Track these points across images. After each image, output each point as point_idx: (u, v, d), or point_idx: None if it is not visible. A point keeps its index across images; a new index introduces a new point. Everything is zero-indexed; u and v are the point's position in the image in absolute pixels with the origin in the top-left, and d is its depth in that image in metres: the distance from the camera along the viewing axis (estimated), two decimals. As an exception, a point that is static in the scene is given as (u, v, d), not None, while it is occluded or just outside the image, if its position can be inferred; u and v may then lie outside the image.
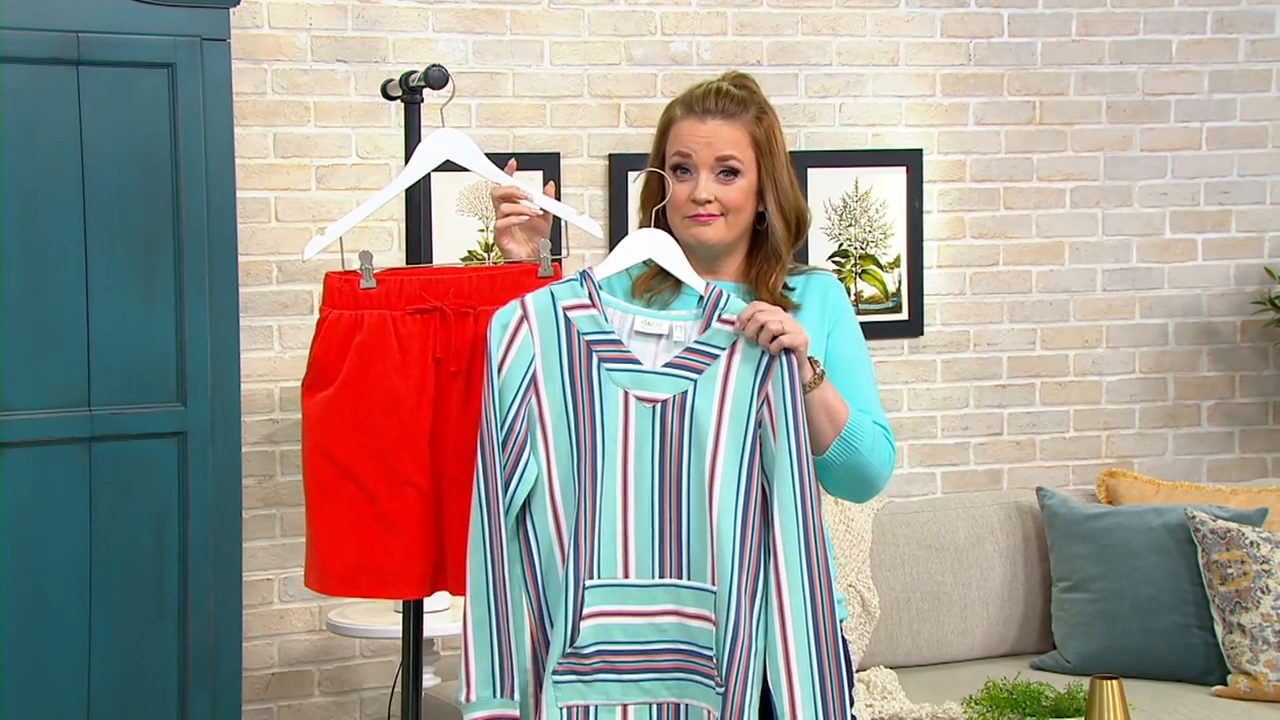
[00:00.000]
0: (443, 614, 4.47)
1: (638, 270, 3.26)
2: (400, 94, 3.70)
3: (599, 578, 3.05)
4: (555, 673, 3.07)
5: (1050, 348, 5.56)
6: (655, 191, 3.27)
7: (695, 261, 3.22)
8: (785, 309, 3.16)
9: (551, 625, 3.10)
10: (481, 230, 4.97)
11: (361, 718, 4.96)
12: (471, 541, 3.13)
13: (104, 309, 3.91)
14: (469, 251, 4.96)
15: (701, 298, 3.12)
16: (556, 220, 3.43)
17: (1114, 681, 3.80)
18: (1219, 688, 4.61)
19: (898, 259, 5.37)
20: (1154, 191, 5.60)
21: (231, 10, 4.01)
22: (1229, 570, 4.63)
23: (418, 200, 3.63)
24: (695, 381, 3.07)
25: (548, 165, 5.03)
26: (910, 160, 5.37)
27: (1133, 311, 5.61)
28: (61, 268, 3.88)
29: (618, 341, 3.13)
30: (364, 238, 4.75)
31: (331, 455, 3.33)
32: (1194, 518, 4.72)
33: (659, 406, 3.06)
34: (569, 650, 3.05)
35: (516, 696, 3.09)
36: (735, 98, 3.21)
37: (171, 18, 3.94)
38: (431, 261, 4.49)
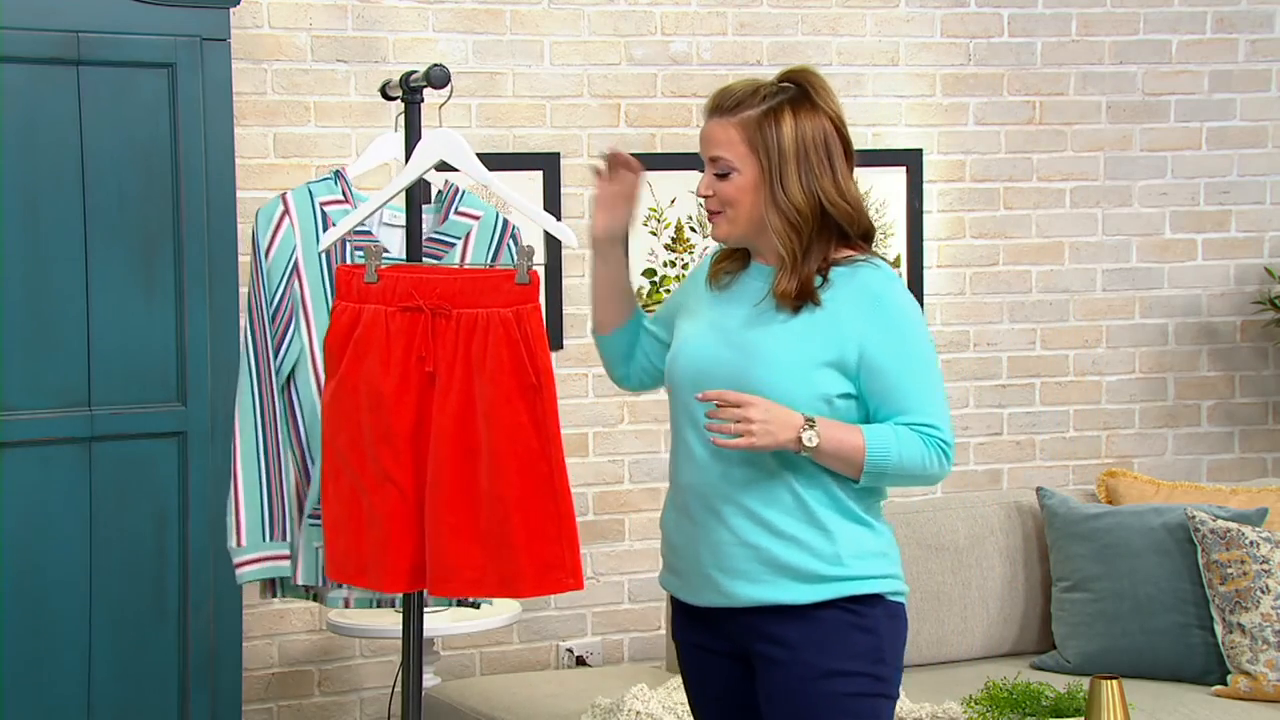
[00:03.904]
0: (443, 614, 4.47)
1: (707, 262, 3.33)
2: (400, 94, 3.70)
3: None
4: (310, 517, 3.60)
5: (1050, 348, 5.56)
6: None
7: (752, 245, 3.27)
8: (809, 303, 3.16)
9: (309, 480, 3.62)
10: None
11: (361, 718, 4.96)
12: (241, 406, 3.64)
13: (104, 309, 3.91)
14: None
15: (440, 192, 3.68)
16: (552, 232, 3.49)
17: (1114, 681, 3.80)
18: (1219, 688, 4.61)
19: (898, 259, 5.37)
20: (1154, 191, 5.60)
21: (231, 10, 4.01)
22: (1229, 570, 4.63)
23: (417, 199, 3.64)
24: (437, 264, 3.58)
25: (548, 165, 5.02)
26: (910, 160, 5.37)
27: (1133, 311, 5.61)
28: (61, 268, 3.88)
29: (368, 232, 3.65)
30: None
31: (334, 445, 3.38)
32: (1194, 518, 4.72)
33: None
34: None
35: (288, 539, 3.62)
36: (738, 96, 3.19)
37: (171, 18, 3.94)
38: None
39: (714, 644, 3.25)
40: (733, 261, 3.29)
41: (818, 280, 3.18)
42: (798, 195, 3.17)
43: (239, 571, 3.67)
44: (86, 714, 3.93)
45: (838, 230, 3.20)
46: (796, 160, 3.18)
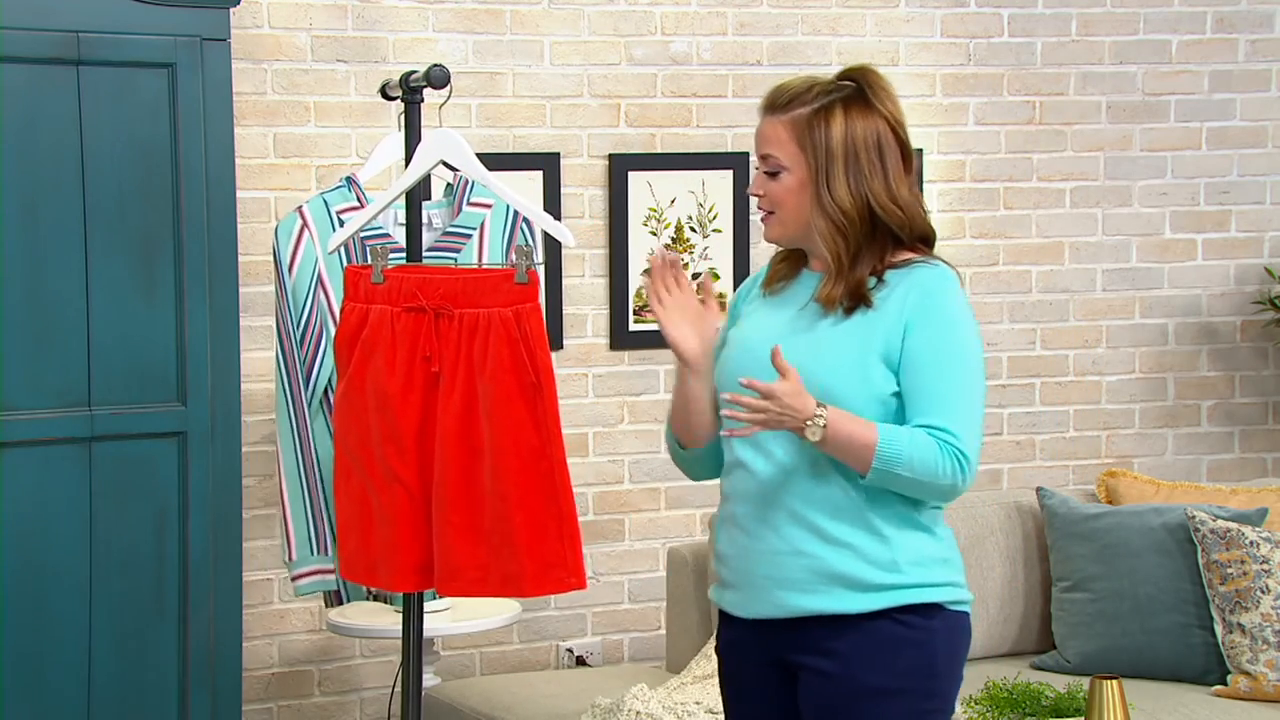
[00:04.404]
0: (443, 614, 4.47)
1: (764, 271, 3.24)
2: (400, 94, 3.71)
3: None
4: None
5: (1050, 348, 5.56)
6: None
7: (807, 251, 3.18)
8: (861, 305, 3.06)
9: None
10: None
11: (361, 718, 4.96)
12: (280, 425, 3.74)
13: (104, 309, 3.91)
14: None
15: (450, 185, 3.70)
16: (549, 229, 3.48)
17: (1114, 681, 3.80)
18: (1219, 688, 4.61)
19: (898, 259, 5.36)
20: (1154, 191, 5.60)
21: (231, 10, 4.01)
22: (1229, 570, 4.63)
23: (417, 199, 3.64)
24: (455, 259, 3.68)
25: (548, 165, 5.02)
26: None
27: (1133, 311, 5.61)
28: (61, 268, 3.88)
29: (386, 235, 3.70)
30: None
31: (345, 444, 3.39)
32: (1194, 518, 4.72)
33: None
34: None
35: (331, 553, 3.73)
36: (791, 93, 3.09)
37: (171, 18, 3.94)
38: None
39: (760, 656, 3.14)
40: (788, 265, 3.19)
41: (871, 282, 3.07)
42: (845, 197, 3.05)
43: (295, 584, 3.94)
44: (86, 714, 3.93)
45: (891, 235, 3.09)
46: (845, 161, 3.06)
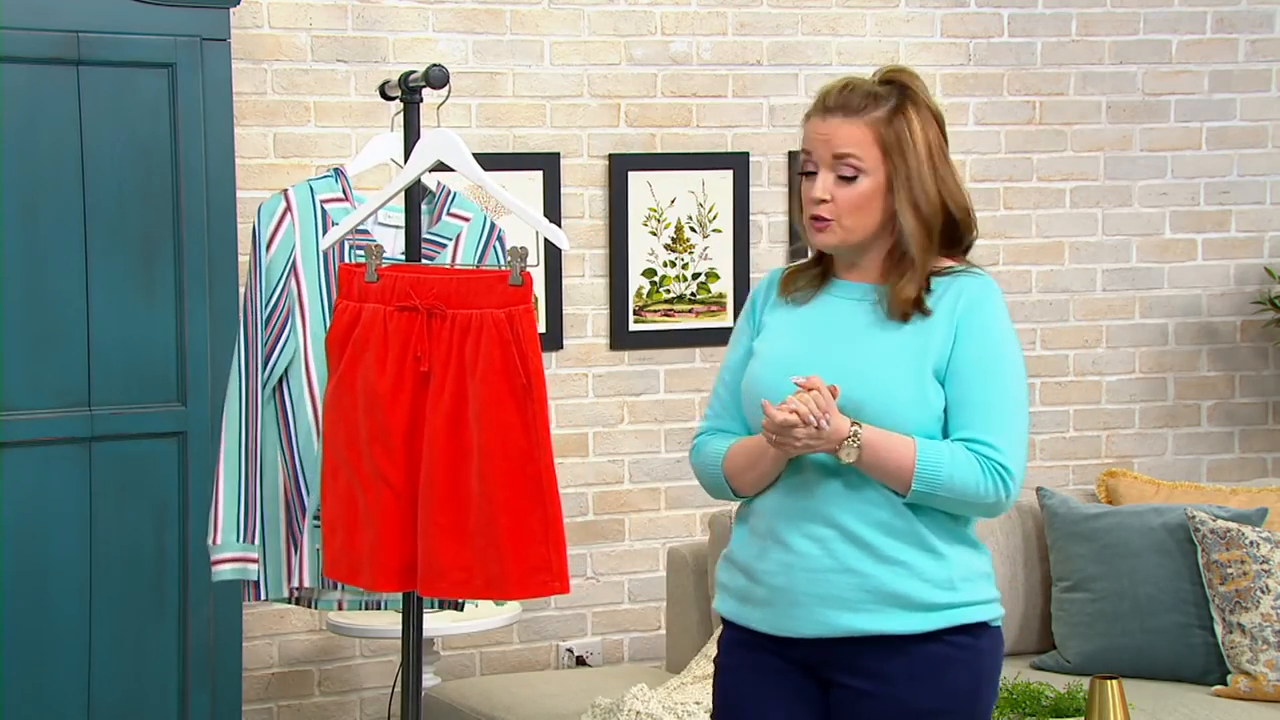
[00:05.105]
0: (443, 614, 4.47)
1: (780, 272, 3.18)
2: (399, 94, 3.70)
3: None
4: (314, 519, 3.63)
5: (1050, 348, 5.56)
6: (798, 191, 3.11)
7: (840, 259, 3.10)
8: (920, 311, 3.01)
9: (306, 478, 3.65)
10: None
11: (361, 718, 4.96)
12: (229, 406, 3.67)
13: (104, 309, 3.92)
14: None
15: (432, 193, 3.70)
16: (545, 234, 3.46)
17: (1114, 681, 3.80)
18: (1219, 688, 4.61)
19: (898, 259, 5.36)
20: (1154, 191, 5.60)
21: (231, 10, 4.01)
22: (1229, 570, 4.63)
23: (416, 199, 3.64)
24: (428, 265, 3.58)
25: (548, 165, 5.02)
26: (910, 160, 5.36)
27: (1133, 311, 5.61)
28: (61, 268, 3.88)
29: (365, 231, 3.67)
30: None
31: (333, 443, 3.38)
32: (1194, 518, 4.71)
33: None
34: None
35: (257, 541, 3.66)
36: (863, 92, 3.03)
37: (171, 18, 3.94)
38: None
39: (788, 674, 3.06)
40: (808, 276, 3.13)
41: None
42: (934, 195, 3.01)
43: (214, 570, 3.73)
44: (86, 714, 3.93)
45: (948, 235, 3.06)
46: (929, 161, 3.02)
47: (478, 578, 3.31)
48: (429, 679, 4.57)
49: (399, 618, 4.18)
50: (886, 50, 5.34)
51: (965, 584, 3.01)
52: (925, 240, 3.01)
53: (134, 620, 3.97)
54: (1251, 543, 4.62)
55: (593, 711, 4.26)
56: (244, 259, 4.43)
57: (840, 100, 3.03)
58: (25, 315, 3.85)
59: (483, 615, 4.52)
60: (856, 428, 2.93)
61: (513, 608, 4.63)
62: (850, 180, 3.01)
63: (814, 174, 3.04)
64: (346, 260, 3.64)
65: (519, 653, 5.11)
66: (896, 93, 3.04)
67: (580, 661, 5.11)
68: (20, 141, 3.83)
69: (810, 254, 3.19)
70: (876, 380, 2.98)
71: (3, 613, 3.85)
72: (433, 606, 4.18)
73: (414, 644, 3.60)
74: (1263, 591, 4.58)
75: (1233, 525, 4.66)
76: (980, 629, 3.02)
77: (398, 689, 4.74)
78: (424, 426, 3.32)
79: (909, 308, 3.01)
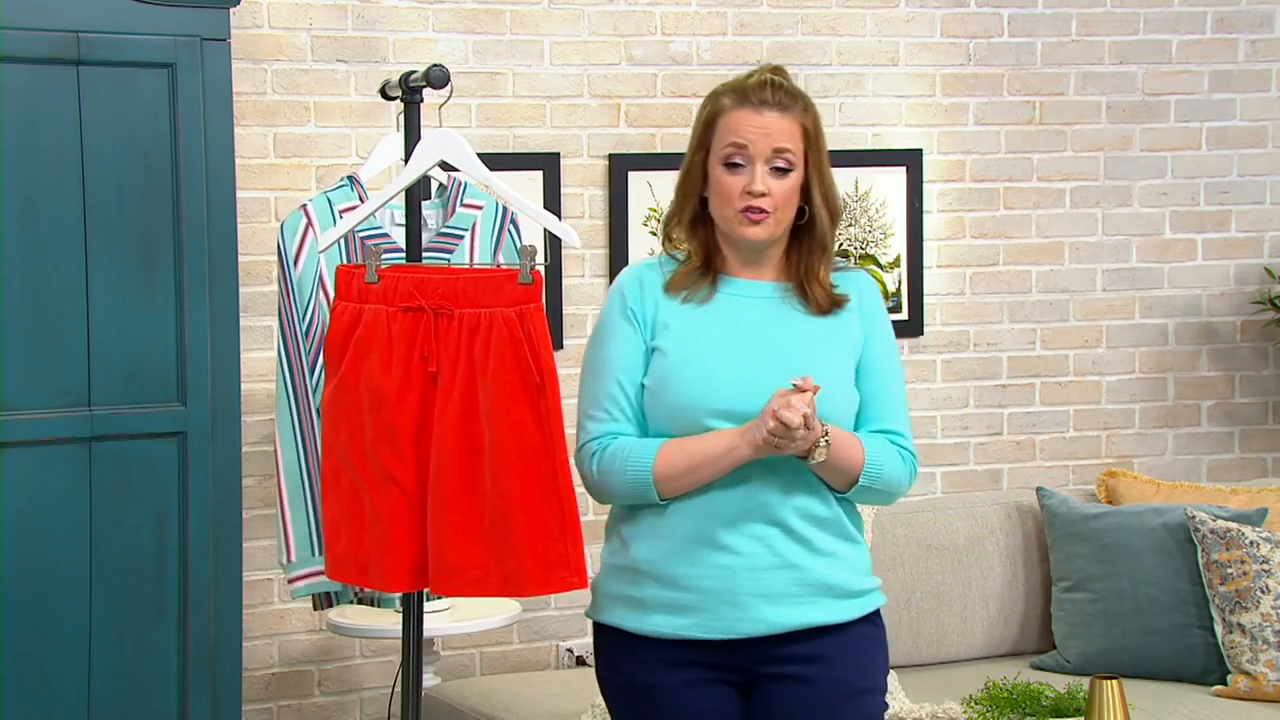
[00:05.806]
0: (443, 614, 4.47)
1: (670, 268, 3.21)
2: (400, 94, 3.70)
3: None
4: None
5: (1050, 348, 5.56)
6: (698, 181, 3.16)
7: (736, 257, 3.16)
8: (838, 304, 3.12)
9: None
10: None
11: (361, 718, 4.96)
12: (280, 424, 3.70)
13: (104, 309, 3.91)
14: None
15: (443, 186, 3.83)
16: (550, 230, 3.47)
17: (1114, 681, 3.80)
18: (1219, 688, 4.61)
19: (898, 259, 5.37)
20: (1154, 191, 5.60)
21: (231, 10, 4.01)
22: (1229, 570, 4.63)
23: (417, 200, 3.64)
24: (449, 259, 3.74)
25: (548, 165, 5.02)
26: (910, 160, 5.37)
27: (1133, 311, 5.61)
28: (61, 268, 3.88)
29: (385, 234, 3.81)
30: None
31: (335, 444, 3.38)
32: (1194, 518, 4.72)
33: None
34: None
35: None
36: (787, 89, 3.13)
37: (171, 18, 3.94)
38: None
39: (720, 677, 3.11)
40: (694, 277, 3.15)
41: None
42: (834, 189, 3.15)
43: (292, 586, 3.89)
44: (86, 714, 3.93)
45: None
46: (828, 157, 3.15)
47: (494, 575, 3.32)
48: (429, 679, 4.57)
49: (399, 618, 4.18)
50: (886, 50, 5.34)
51: (869, 573, 3.17)
52: (833, 232, 3.14)
53: (134, 620, 3.96)
54: (1251, 543, 4.62)
55: (593, 711, 4.26)
56: (244, 259, 4.43)
57: (774, 96, 3.11)
58: (25, 315, 3.85)
59: (483, 615, 4.52)
60: (825, 427, 3.00)
61: (513, 607, 4.63)
62: (784, 173, 3.09)
63: (741, 166, 3.08)
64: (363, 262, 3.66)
65: (519, 653, 5.11)
66: (799, 90, 3.16)
67: (580, 661, 5.11)
68: (20, 141, 3.83)
69: (664, 253, 3.21)
70: (823, 374, 3.03)
71: (2, 613, 3.85)
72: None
73: (414, 644, 3.60)
74: (1263, 591, 4.58)
75: (1233, 525, 4.66)
76: (878, 613, 3.18)
77: (398, 689, 4.74)
78: (432, 426, 3.32)
79: (829, 302, 3.11)
